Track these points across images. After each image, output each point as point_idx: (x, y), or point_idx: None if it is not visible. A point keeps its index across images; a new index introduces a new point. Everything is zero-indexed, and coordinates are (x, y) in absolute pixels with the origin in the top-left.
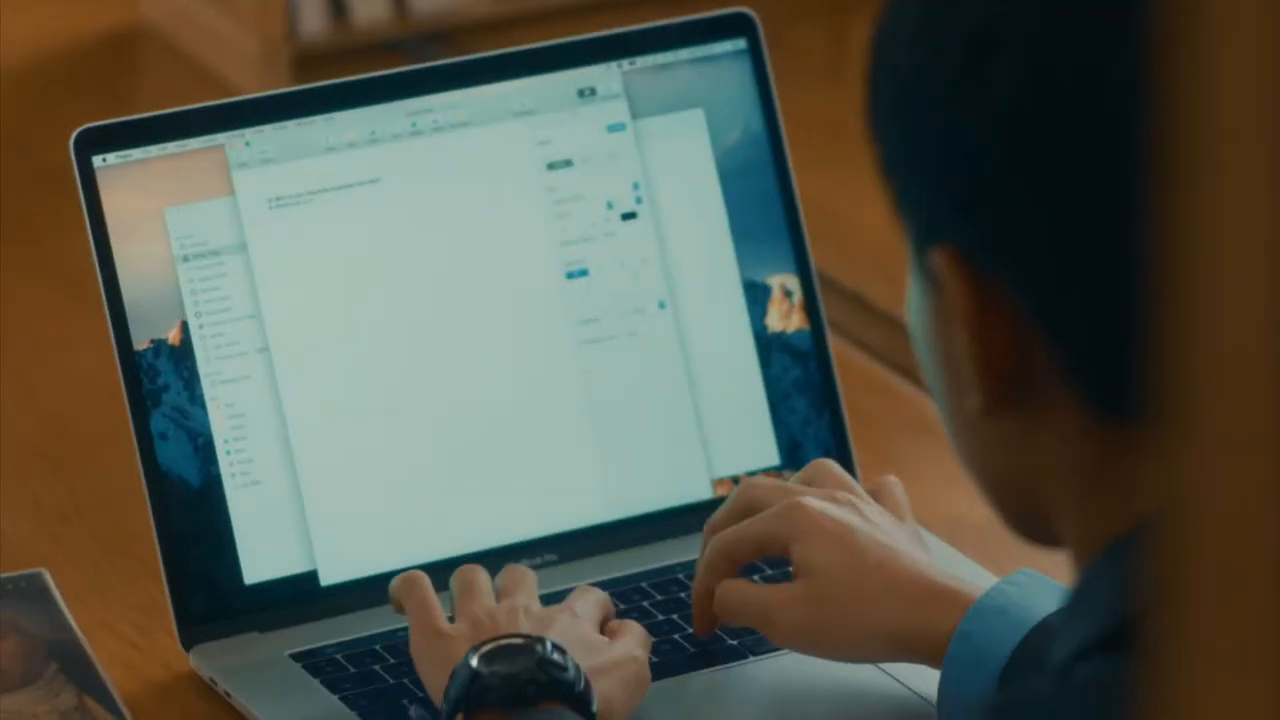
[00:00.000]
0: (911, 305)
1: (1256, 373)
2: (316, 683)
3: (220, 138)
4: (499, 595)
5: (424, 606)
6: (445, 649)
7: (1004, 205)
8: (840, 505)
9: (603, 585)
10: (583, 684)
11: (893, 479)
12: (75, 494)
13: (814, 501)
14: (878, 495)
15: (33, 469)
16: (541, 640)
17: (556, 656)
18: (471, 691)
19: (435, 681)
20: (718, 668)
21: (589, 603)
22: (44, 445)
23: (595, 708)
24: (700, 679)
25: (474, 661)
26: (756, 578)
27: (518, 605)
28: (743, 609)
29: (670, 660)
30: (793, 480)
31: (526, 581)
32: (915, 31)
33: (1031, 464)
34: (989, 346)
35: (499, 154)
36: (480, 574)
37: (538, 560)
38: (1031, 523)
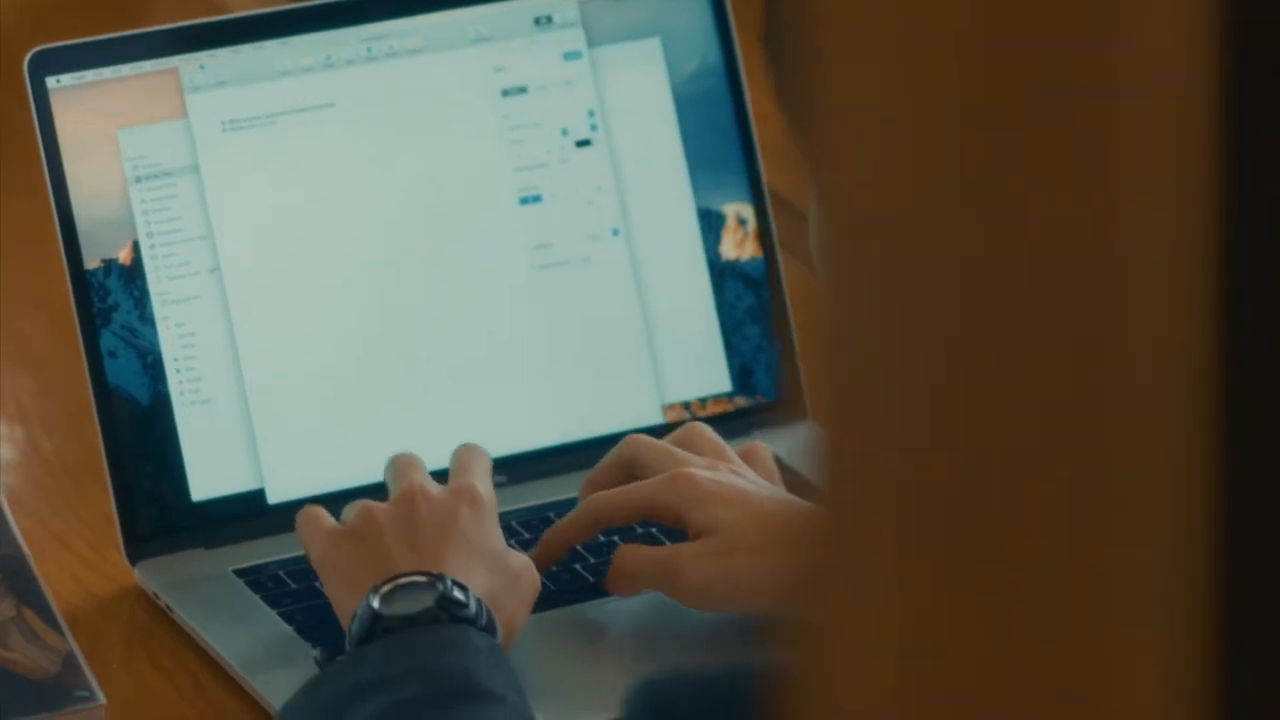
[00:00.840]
0: (814, 228)
1: None
2: (257, 598)
3: (175, 60)
4: (395, 490)
5: (315, 519)
6: (343, 553)
7: None
8: (721, 473)
9: (551, 507)
10: (485, 618)
11: (761, 445)
12: (43, 411)
13: (699, 470)
14: (748, 459)
15: (2, 386)
16: (442, 578)
17: (457, 594)
18: (374, 633)
19: (340, 598)
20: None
21: (485, 479)
22: (14, 362)
23: (499, 638)
24: (638, 598)
25: (375, 603)
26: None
27: (414, 484)
28: (644, 569)
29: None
30: (667, 441)
31: (414, 462)
32: None
33: None
34: None
35: (454, 80)
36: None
37: None
38: None
